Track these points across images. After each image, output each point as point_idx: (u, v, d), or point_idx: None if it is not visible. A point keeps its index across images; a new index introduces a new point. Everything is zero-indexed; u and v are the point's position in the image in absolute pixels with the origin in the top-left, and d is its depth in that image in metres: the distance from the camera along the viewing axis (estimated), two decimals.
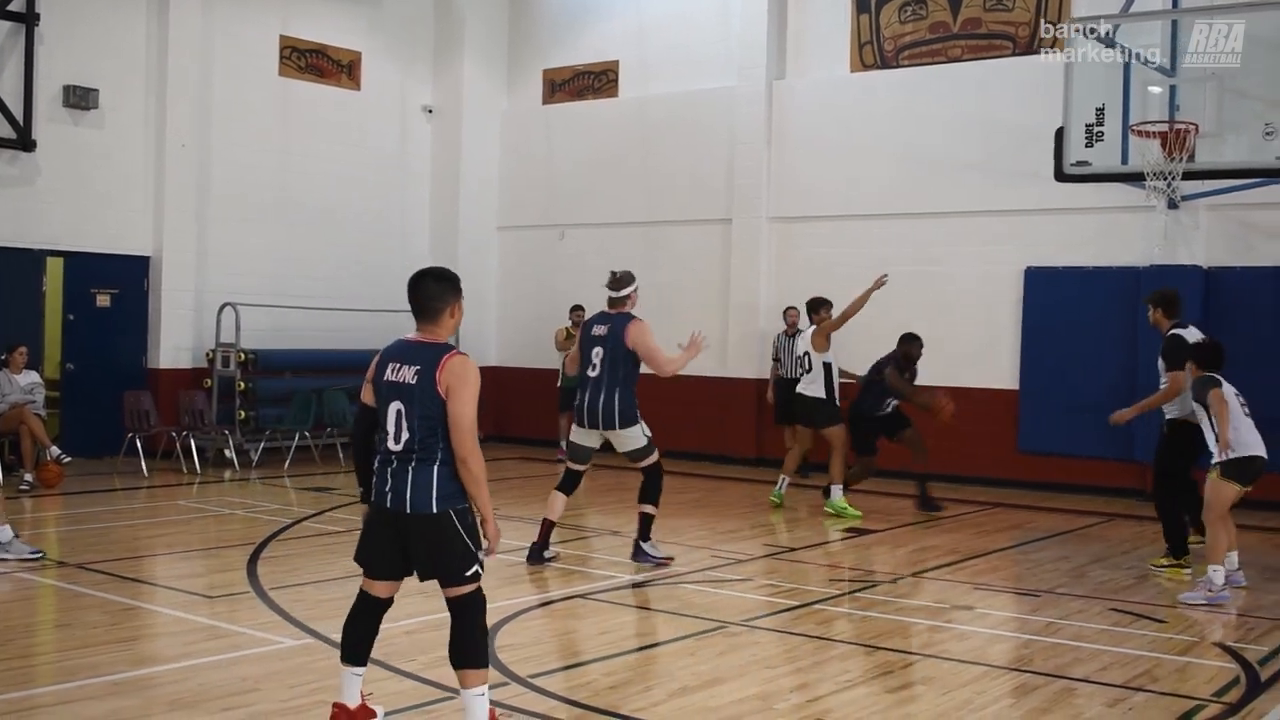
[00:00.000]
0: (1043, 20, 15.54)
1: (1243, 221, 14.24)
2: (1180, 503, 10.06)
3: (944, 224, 16.01)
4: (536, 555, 9.97)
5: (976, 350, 15.69)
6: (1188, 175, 12.59)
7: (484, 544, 5.53)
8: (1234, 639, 7.87)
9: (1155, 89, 13.16)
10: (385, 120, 19.48)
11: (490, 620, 7.86)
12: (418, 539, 5.48)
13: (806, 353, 13.19)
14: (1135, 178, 12.88)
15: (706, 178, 17.95)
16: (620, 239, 18.79)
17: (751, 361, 17.37)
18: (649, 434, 9.91)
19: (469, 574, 5.50)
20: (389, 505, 5.48)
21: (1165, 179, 12.68)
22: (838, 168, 16.83)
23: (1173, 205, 13.74)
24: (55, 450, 13.76)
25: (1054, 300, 15.12)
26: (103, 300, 16.29)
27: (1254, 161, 12.37)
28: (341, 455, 16.79)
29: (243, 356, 16.32)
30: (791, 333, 16.29)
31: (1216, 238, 14.36)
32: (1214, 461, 9.06)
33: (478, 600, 5.59)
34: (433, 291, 5.55)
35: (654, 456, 9.95)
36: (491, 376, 19.54)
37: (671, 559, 10.14)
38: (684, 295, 17.90)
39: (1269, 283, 13.90)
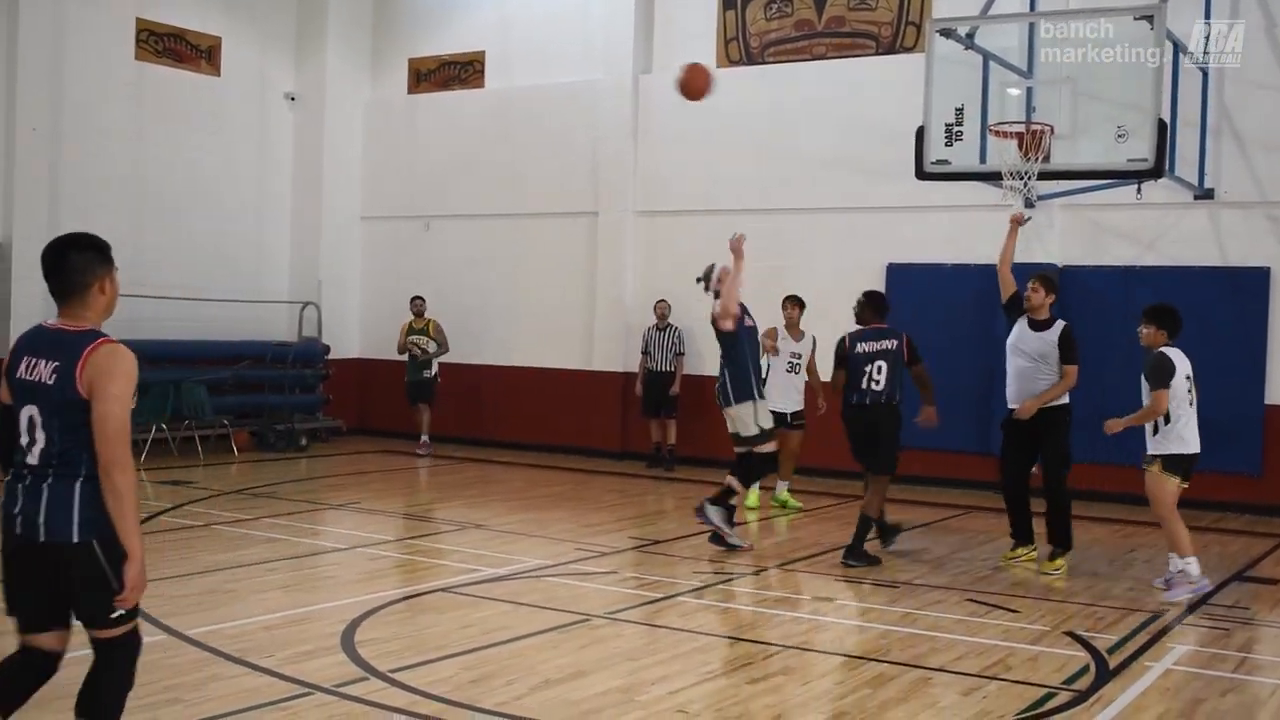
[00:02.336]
0: (905, 20, 15.81)
1: (1095, 221, 14.66)
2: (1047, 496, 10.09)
3: (807, 219, 16.19)
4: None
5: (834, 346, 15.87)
6: (1044, 175, 12.87)
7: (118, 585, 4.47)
8: (1084, 628, 8.08)
9: (1013, 90, 13.45)
10: (246, 107, 19.07)
11: (351, 614, 7.83)
12: (56, 572, 4.47)
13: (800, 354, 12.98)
14: (993, 177, 13.13)
15: (573, 170, 17.92)
16: (486, 231, 18.68)
17: (617, 355, 17.39)
18: (762, 425, 10.59)
19: (114, 616, 4.53)
20: (18, 532, 4.47)
21: (1022, 178, 12.96)
22: (704, 162, 16.91)
23: (1029, 204, 14.04)
24: None
25: (914, 296, 15.35)
26: None
27: (1107, 163, 12.70)
28: (200, 448, 16.40)
29: None
30: (662, 325, 16.36)
31: (1071, 237, 14.75)
32: (1152, 454, 9.16)
33: (129, 646, 4.66)
34: (75, 264, 4.57)
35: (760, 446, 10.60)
36: (354, 368, 19.36)
37: (747, 547, 10.58)
38: (551, 288, 17.87)
39: (1119, 281, 14.32)
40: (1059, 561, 9.95)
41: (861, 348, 10.43)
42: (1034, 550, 10.21)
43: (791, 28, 16.61)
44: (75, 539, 4.40)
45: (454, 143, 19.08)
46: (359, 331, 19.84)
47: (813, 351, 13.04)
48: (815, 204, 16.12)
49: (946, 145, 13.45)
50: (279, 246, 19.58)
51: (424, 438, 17.40)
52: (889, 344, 10.47)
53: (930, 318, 15.14)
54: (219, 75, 18.64)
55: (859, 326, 10.66)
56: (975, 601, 8.84)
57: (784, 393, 12.65)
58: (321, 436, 18.29)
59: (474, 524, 11.74)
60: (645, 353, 16.51)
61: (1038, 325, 10.12)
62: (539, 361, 18.04)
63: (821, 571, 9.89)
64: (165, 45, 17.96)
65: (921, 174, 13.44)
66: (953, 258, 15.23)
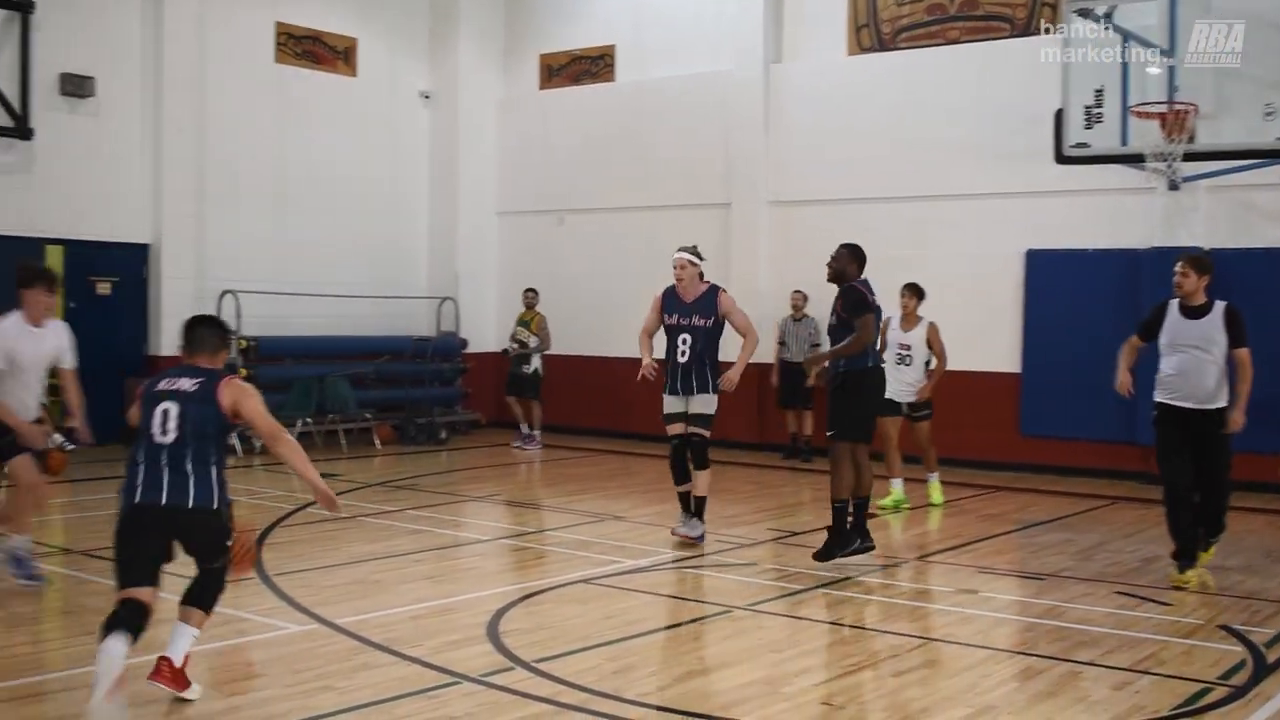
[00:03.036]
0: (1040, 1, 15.50)
1: (1243, 202, 14.21)
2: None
3: (943, 207, 15.98)
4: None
5: (974, 334, 15.64)
6: (1188, 156, 12.57)
7: None
8: (1240, 622, 7.86)
9: (1154, 70, 13.10)
10: (382, 107, 19.42)
11: (495, 605, 7.94)
12: (183, 529, 6.05)
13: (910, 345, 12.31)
14: (1135, 159, 12.86)
15: (704, 162, 17.91)
16: (619, 224, 18.76)
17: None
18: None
19: (221, 557, 6.19)
20: (164, 501, 6.00)
21: (1165, 160, 12.68)
22: (836, 151, 16.78)
23: (1173, 187, 13.71)
24: (58, 438, 13.63)
25: (1055, 283, 15.10)
26: (103, 288, 16.26)
27: (1254, 142, 12.35)
28: (343, 441, 16.77)
29: (244, 344, 16.30)
30: (799, 316, 16.30)
31: (1217, 219, 14.31)
32: None
33: (224, 569, 6.24)
34: (206, 335, 6.31)
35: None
36: (491, 362, 19.59)
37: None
38: None
39: (1269, 263, 13.88)
40: (1210, 552, 9.22)
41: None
42: (1195, 571, 9.01)
43: (923, 12, 16.39)
44: (215, 506, 5.97)
45: (585, 137, 19.20)
46: (496, 325, 20.07)
47: (926, 339, 12.22)
48: (950, 190, 15.90)
49: (1086, 128, 13.21)
50: (417, 243, 19.91)
51: (527, 429, 17.35)
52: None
53: (1071, 304, 14.89)
54: (355, 76, 19.01)
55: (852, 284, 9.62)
56: (1125, 594, 8.65)
57: (894, 384, 11.73)
58: (460, 430, 18.56)
59: (613, 515, 11.81)
60: (781, 343, 16.46)
61: (1193, 312, 8.98)
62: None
63: (964, 564, 9.76)
64: (304, 48, 18.37)
65: (1061, 158, 13.22)
66: (1094, 243, 14.90)
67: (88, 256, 16.03)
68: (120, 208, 16.31)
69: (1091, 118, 13.17)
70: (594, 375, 18.32)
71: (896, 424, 12.19)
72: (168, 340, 16.56)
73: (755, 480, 14.63)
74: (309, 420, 16.61)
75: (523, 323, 17.59)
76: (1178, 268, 9.07)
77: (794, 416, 16.44)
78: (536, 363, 17.44)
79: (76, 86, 15.72)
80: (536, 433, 17.38)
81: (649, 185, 18.47)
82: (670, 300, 10.41)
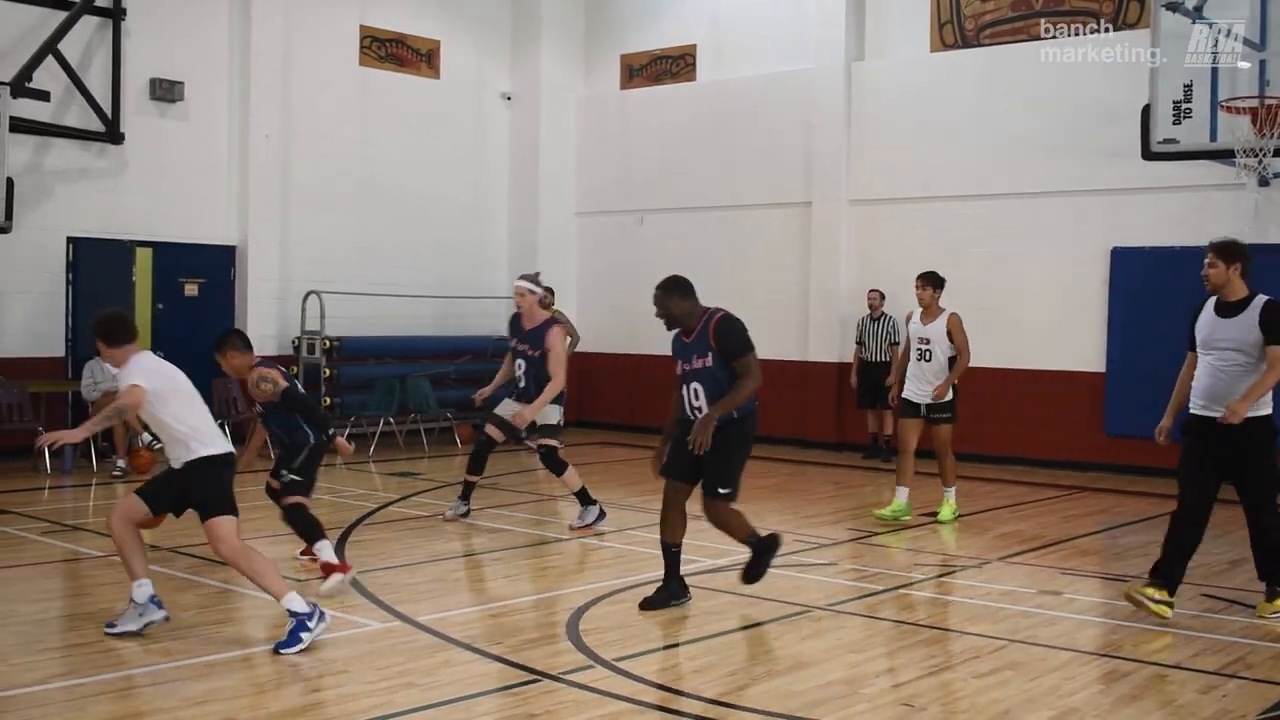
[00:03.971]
0: None
1: None
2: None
3: (1027, 205, 15.81)
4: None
5: (1057, 333, 15.51)
6: (1278, 152, 12.33)
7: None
8: None
9: (1244, 64, 12.87)
10: (464, 108, 19.58)
11: (574, 603, 7.98)
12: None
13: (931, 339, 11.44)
14: (1225, 155, 12.64)
15: (785, 161, 17.86)
16: (699, 223, 18.76)
17: (832, 345, 17.28)
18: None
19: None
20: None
21: (1256, 156, 12.44)
22: (918, 149, 16.66)
23: (1263, 183, 13.44)
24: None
25: (1142, 281, 14.88)
26: (190, 289, 16.56)
27: None
28: (424, 441, 16.93)
29: (327, 344, 16.52)
30: (876, 315, 16.22)
31: None
32: None
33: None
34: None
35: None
36: (571, 361, 19.62)
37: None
38: (764, 279, 17.83)
39: None
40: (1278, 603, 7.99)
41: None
42: (1166, 595, 7.81)
43: (1008, 8, 16.23)
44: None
45: (666, 136, 19.23)
46: (576, 325, 20.11)
47: (948, 330, 11.24)
48: (1034, 188, 15.73)
49: (1174, 123, 13.00)
50: (497, 243, 20.05)
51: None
52: None
53: (1157, 303, 14.65)
54: (438, 78, 19.19)
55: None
56: (1211, 597, 8.51)
57: (912, 383, 11.43)
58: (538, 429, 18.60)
59: (692, 515, 11.79)
60: (859, 343, 16.39)
61: (1228, 309, 7.78)
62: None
63: (1047, 565, 9.65)
64: (387, 50, 18.57)
65: (1148, 154, 13.03)
66: (1181, 240, 14.65)
67: (176, 258, 16.33)
68: (207, 210, 16.61)
69: (1180, 113, 12.95)
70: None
71: (915, 427, 11.38)
72: (253, 341, 16.78)
73: (835, 480, 14.57)
74: (391, 419, 16.78)
75: None
76: (1206, 259, 7.85)
77: (874, 416, 16.36)
78: None
79: (166, 91, 16.03)
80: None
81: (729, 184, 18.45)
82: (514, 326, 11.23)
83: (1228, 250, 7.79)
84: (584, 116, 20.35)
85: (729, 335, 8.06)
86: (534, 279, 11.09)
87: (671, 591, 8.08)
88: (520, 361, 10.97)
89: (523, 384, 10.96)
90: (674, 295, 8.40)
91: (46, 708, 5.91)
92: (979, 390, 15.29)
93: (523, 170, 20.07)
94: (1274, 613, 7.89)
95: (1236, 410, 7.49)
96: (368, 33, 18.34)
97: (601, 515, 11.02)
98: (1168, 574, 7.86)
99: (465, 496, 11.30)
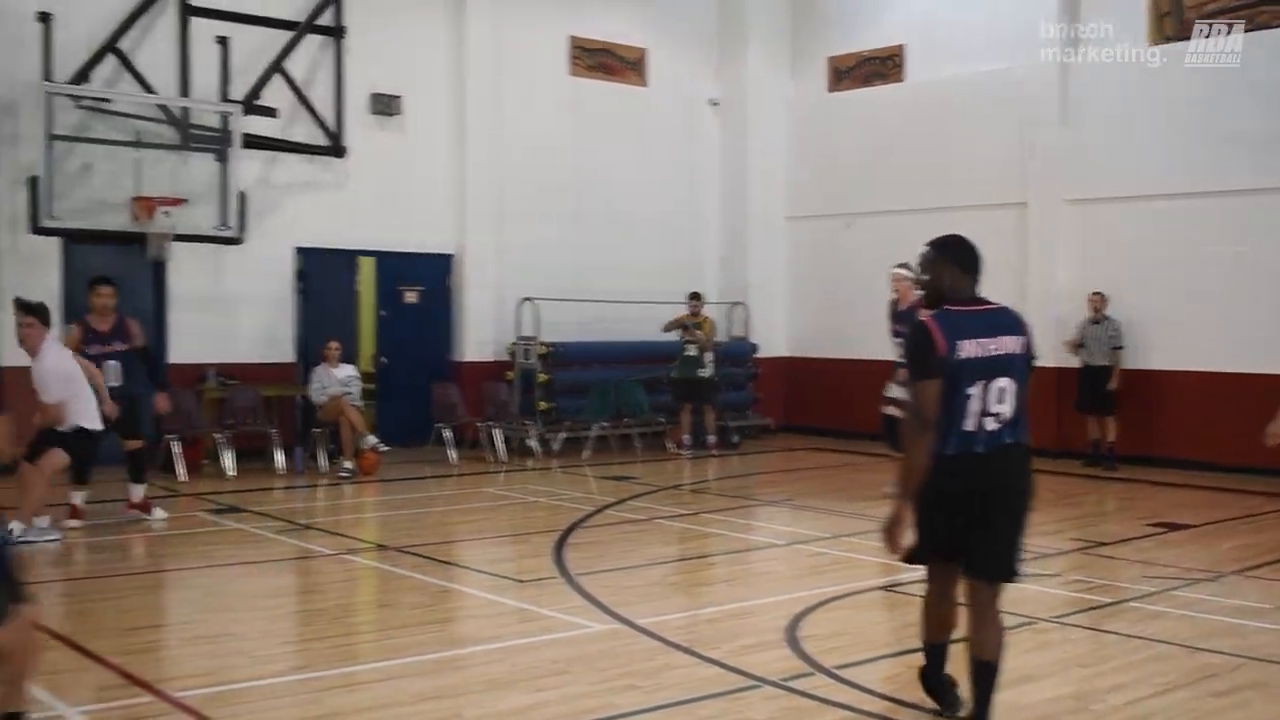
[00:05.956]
0: None
1: None
2: None
3: (1256, 202, 15.10)
4: None
5: None
6: None
7: None
8: None
9: None
10: (672, 114, 19.70)
11: (792, 609, 7.95)
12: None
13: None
14: None
15: (998, 161, 17.44)
16: (909, 226, 18.37)
17: (1050, 349, 16.80)
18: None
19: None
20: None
21: None
22: (1139, 146, 16.08)
23: None
24: (372, 439, 14.50)
25: None
26: (411, 297, 17.06)
27: None
28: (637, 445, 17.08)
29: (543, 349, 16.80)
30: (1098, 318, 15.74)
31: None
32: None
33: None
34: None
35: None
36: (782, 366, 19.64)
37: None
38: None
39: None
40: None
41: (966, 348, 5.44)
42: None
43: None
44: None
45: (875, 138, 19.00)
46: (785, 330, 20.08)
47: None
48: (1266, 184, 15.01)
49: None
50: (709, 248, 20.11)
51: (689, 438, 17.05)
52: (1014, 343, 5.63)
53: None
54: (645, 85, 19.35)
55: (955, 307, 5.60)
56: None
57: None
58: (751, 434, 18.65)
59: (912, 523, 11.63)
60: (1080, 346, 15.91)
61: None
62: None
63: None
64: (596, 60, 18.82)
65: None
66: None
67: (397, 267, 16.85)
68: (426, 220, 17.07)
69: None
70: (884, 380, 18.05)
71: None
72: (471, 347, 17.28)
73: (1055, 488, 14.15)
74: (605, 424, 16.97)
75: (691, 325, 17.05)
76: None
77: (1095, 423, 15.85)
78: (711, 367, 17.05)
79: (385, 105, 16.55)
80: (711, 438, 17.10)
81: (940, 186, 18.12)
82: (893, 310, 12.43)
83: None
84: (791, 120, 20.24)
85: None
86: (907, 265, 11.56)
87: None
88: (898, 340, 11.72)
89: (896, 359, 11.53)
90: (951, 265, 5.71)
91: (282, 699, 6.15)
92: (1205, 396, 14.77)
93: (731, 175, 20.09)
94: None
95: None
96: (577, 43, 18.61)
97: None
98: None
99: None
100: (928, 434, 5.41)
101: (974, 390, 5.45)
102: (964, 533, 5.62)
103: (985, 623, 5.53)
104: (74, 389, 10.14)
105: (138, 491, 11.22)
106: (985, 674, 5.48)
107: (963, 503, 5.59)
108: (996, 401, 5.53)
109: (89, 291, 11.37)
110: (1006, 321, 5.62)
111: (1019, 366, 5.63)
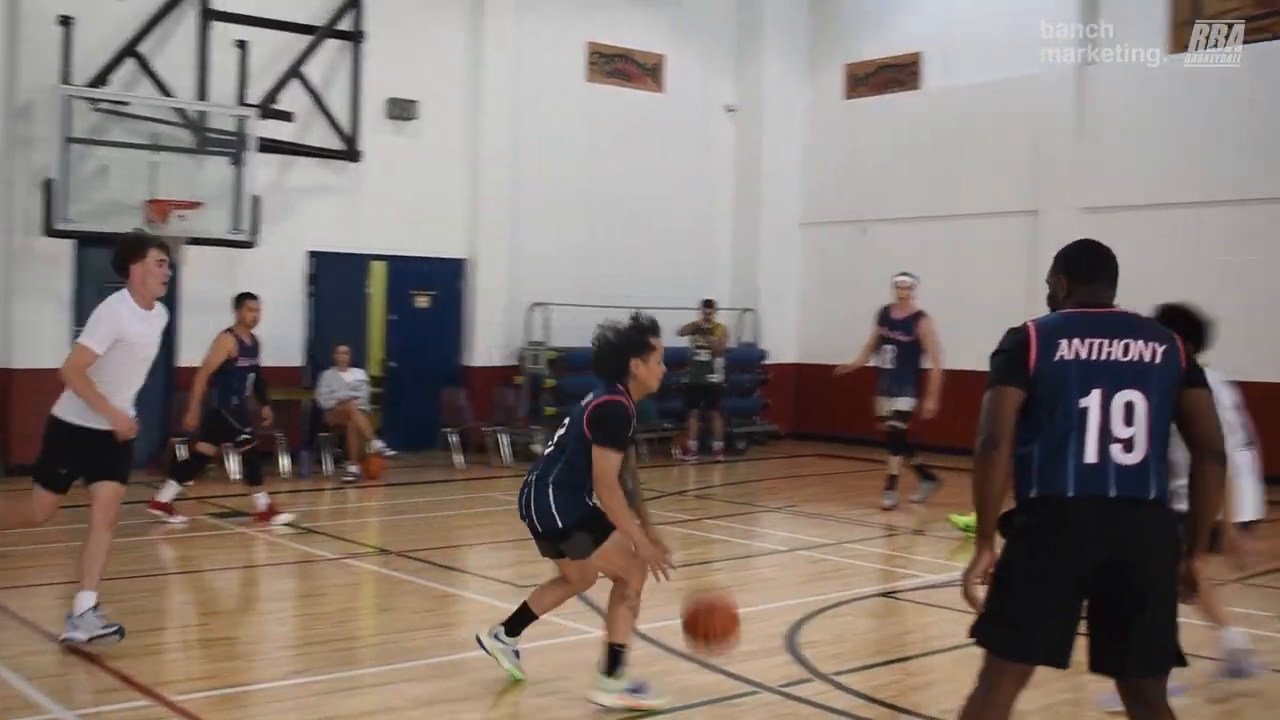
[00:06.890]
0: None
1: None
2: None
3: (1275, 211, 15.03)
4: None
5: None
6: None
7: None
8: None
9: None
10: (688, 121, 19.70)
11: (793, 616, 7.93)
12: None
13: None
14: None
15: (1012, 169, 17.42)
16: (923, 233, 18.45)
17: None
18: None
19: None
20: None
21: None
22: (1154, 154, 16.03)
23: None
24: (378, 444, 14.51)
25: None
26: (422, 301, 17.07)
27: None
28: (644, 450, 17.05)
29: (552, 354, 16.80)
30: None
31: None
32: None
33: None
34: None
35: None
36: (791, 373, 19.60)
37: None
38: (989, 289, 17.38)
39: None
40: None
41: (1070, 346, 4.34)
42: None
43: (1252, 5, 15.49)
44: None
45: (890, 145, 18.99)
46: (796, 336, 20.06)
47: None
48: None
49: None
50: (721, 254, 20.10)
51: (696, 444, 17.09)
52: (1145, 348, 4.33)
53: None
54: (663, 92, 19.36)
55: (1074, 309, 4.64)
56: None
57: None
58: (759, 440, 18.63)
59: (911, 530, 11.63)
60: None
61: None
62: (978, 365, 17.62)
63: None
64: (614, 66, 18.84)
65: None
66: None
67: (409, 271, 16.87)
68: (439, 224, 17.07)
69: None
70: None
71: None
72: (480, 352, 17.28)
73: None
74: None
75: (701, 330, 17.04)
76: None
77: None
78: (721, 372, 17.07)
79: (401, 110, 16.58)
80: (718, 443, 17.06)
81: (954, 193, 18.10)
82: (884, 315, 13.12)
83: None
84: (807, 127, 20.24)
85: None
86: (908, 274, 12.99)
87: None
88: (890, 347, 12.65)
89: (891, 366, 12.66)
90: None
91: (284, 702, 6.17)
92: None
93: (746, 181, 20.09)
94: None
95: None
96: (595, 49, 18.63)
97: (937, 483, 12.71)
98: None
99: (926, 476, 12.91)
100: (998, 453, 4.18)
101: (1089, 402, 4.15)
102: (1105, 621, 4.17)
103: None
104: None
105: (260, 500, 11.43)
106: None
107: (1101, 579, 4.08)
108: (1124, 423, 4.12)
109: (238, 305, 11.78)
110: (1140, 325, 4.38)
111: (1156, 381, 4.20)
